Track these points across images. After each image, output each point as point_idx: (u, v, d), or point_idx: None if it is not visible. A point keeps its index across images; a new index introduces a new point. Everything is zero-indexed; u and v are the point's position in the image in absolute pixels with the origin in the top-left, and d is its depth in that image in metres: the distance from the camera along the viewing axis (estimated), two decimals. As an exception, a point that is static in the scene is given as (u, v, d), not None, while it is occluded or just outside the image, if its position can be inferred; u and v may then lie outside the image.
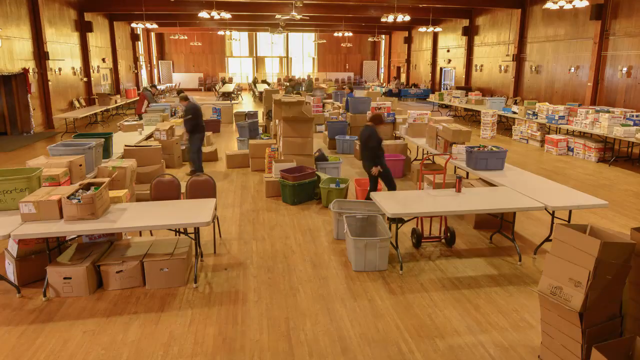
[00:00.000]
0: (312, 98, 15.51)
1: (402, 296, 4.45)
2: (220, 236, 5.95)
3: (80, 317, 4.08)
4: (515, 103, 16.36)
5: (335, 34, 28.50)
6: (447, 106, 20.65)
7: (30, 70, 14.53)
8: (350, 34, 29.19)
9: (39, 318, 4.07)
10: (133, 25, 21.40)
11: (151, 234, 5.76)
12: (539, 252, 5.46)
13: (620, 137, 9.97)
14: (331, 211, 5.86)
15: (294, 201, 7.21)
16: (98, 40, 21.01)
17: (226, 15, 16.80)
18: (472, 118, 18.19)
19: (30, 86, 14.37)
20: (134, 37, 26.74)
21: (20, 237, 4.32)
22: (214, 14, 16.33)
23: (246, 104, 24.09)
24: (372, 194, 5.41)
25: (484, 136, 13.97)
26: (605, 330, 2.83)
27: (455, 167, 7.70)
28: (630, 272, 2.82)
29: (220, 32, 33.36)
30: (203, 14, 16.48)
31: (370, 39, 31.28)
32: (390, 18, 16.53)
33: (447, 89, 24.36)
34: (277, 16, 20.54)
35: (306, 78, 28.71)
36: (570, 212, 5.39)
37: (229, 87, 26.34)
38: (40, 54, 15.24)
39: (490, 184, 6.13)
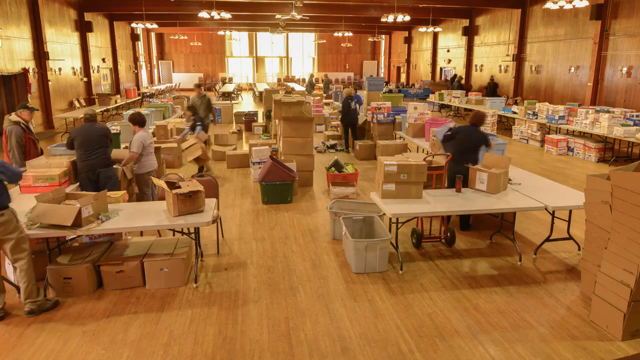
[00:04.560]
0: (311, 98, 15.48)
1: (402, 296, 4.45)
2: (223, 236, 5.95)
3: (80, 317, 4.08)
4: (515, 103, 16.36)
5: (335, 34, 28.51)
6: (447, 106, 20.64)
7: (30, 70, 14.53)
8: (350, 34, 29.19)
9: (39, 318, 4.07)
10: (133, 25, 21.40)
11: (159, 235, 5.72)
12: (539, 252, 5.46)
13: (620, 137, 9.97)
14: (328, 212, 5.87)
15: (265, 201, 7.29)
16: (98, 40, 21.02)
17: (226, 15, 16.80)
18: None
19: (30, 86, 14.37)
20: (134, 37, 26.74)
21: (20, 237, 4.32)
22: (214, 14, 16.34)
23: (246, 104, 24.09)
24: (372, 195, 5.41)
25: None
26: None
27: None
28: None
29: (220, 32, 33.36)
30: (203, 14, 16.48)
31: (370, 39, 31.28)
32: (390, 18, 16.54)
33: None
34: (277, 16, 20.55)
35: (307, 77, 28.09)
36: (570, 212, 5.39)
37: (229, 87, 26.34)
38: (40, 54, 15.25)
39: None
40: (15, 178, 4.14)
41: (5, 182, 4.00)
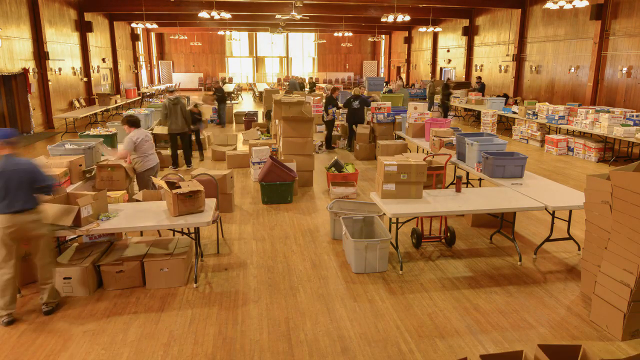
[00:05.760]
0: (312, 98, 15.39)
1: (402, 296, 4.45)
2: (223, 236, 5.95)
3: (80, 317, 4.08)
4: (515, 103, 16.36)
5: (335, 34, 28.49)
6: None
7: (30, 70, 14.53)
8: (350, 34, 29.17)
9: (39, 318, 4.07)
10: (133, 25, 21.39)
11: (159, 235, 5.72)
12: (539, 252, 5.45)
13: (620, 137, 9.97)
14: (328, 212, 5.87)
15: (265, 201, 7.30)
16: (98, 40, 21.01)
17: (226, 15, 16.79)
18: (472, 118, 18.19)
19: (30, 86, 14.36)
20: (134, 37, 26.73)
21: (20, 237, 4.31)
22: (214, 14, 16.33)
23: (246, 104, 24.09)
24: (372, 195, 5.41)
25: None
26: None
27: (455, 166, 7.71)
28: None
29: (220, 32, 33.35)
30: (203, 14, 16.47)
31: (370, 39, 31.27)
32: (390, 18, 16.53)
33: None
34: (277, 16, 20.54)
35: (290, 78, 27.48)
36: (570, 212, 5.39)
37: (229, 87, 26.33)
38: (40, 54, 15.24)
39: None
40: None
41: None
